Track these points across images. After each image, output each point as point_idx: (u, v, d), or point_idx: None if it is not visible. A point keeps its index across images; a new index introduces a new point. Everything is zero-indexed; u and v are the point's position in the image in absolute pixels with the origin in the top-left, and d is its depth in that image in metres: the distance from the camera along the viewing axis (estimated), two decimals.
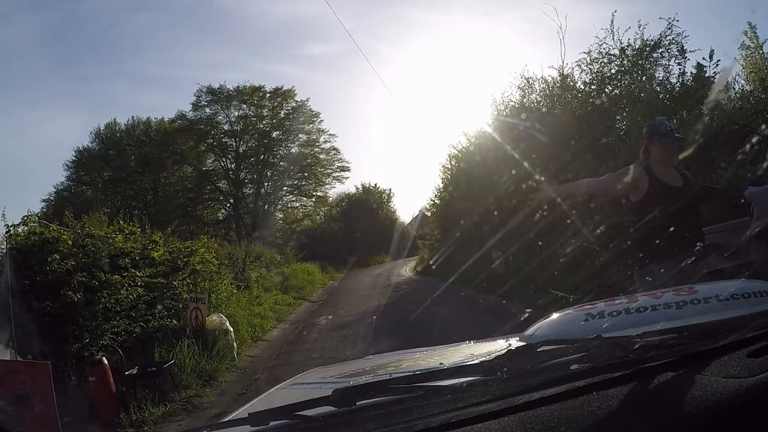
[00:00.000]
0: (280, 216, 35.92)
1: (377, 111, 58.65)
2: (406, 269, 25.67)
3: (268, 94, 34.25)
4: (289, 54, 49.71)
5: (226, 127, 34.03)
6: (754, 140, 7.32)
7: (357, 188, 41.04)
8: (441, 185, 20.85)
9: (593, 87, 11.78)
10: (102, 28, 43.20)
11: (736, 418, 0.83)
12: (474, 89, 41.09)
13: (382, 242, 31.60)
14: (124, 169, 31.02)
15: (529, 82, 13.56)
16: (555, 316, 1.59)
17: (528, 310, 6.43)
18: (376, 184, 41.84)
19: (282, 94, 34.42)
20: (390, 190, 42.43)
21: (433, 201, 22.82)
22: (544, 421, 0.89)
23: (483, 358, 1.23)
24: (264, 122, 34.57)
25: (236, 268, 14.50)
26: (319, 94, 63.01)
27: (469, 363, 1.20)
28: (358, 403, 1.00)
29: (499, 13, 42.89)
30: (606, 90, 11.56)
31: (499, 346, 1.56)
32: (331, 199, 38.67)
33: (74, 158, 32.38)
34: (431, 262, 17.76)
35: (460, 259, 13.07)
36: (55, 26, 39.70)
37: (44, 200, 30.56)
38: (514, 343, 1.48)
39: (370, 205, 39.63)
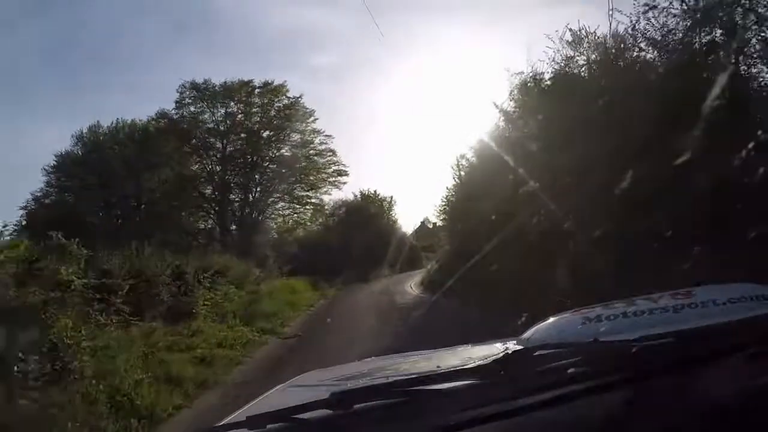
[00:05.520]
0: (272, 225, 33.02)
1: (377, 121, 57.81)
2: (411, 285, 22.10)
3: (257, 90, 31.33)
4: (290, 63, 49.27)
5: (211, 126, 31.26)
6: None
7: (355, 195, 37.90)
8: (453, 187, 18.32)
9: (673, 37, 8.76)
10: (100, 36, 43.00)
11: (734, 423, 0.83)
12: (481, 95, 37.97)
13: (383, 254, 28.88)
14: (105, 174, 28.43)
15: (576, 38, 10.55)
16: (552, 319, 1.60)
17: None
18: (375, 191, 39.11)
19: (273, 90, 31.42)
20: (391, 197, 39.57)
21: (444, 207, 20.58)
22: (541, 425, 0.89)
23: (480, 362, 1.23)
24: (253, 120, 31.66)
25: (166, 289, 10.26)
26: (319, 105, 62.40)
27: (466, 367, 1.21)
28: (355, 407, 1.00)
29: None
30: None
31: (496, 349, 1.56)
32: (327, 207, 35.56)
33: (55, 163, 29.63)
34: (442, 278, 14.80)
35: (479, 274, 10.30)
36: (52, 34, 39.17)
37: (21, 207, 27.72)
38: (511, 346, 1.48)
39: (370, 213, 36.87)
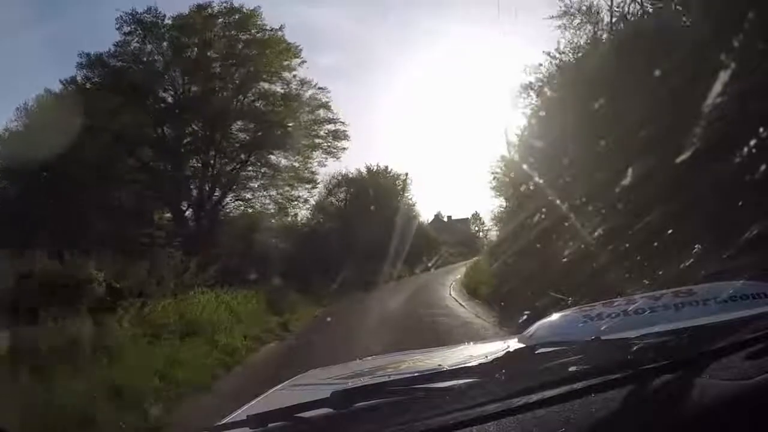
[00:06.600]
0: (245, 208, 23.39)
1: (385, 117, 56.93)
2: (452, 294, 15.55)
3: (220, 20, 21.36)
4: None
5: (157, 69, 21.55)
6: None
7: (360, 172, 29.50)
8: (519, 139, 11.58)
9: None
10: (108, 36, 42.38)
11: (735, 420, 0.83)
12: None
13: (395, 248, 19.78)
14: (45, 151, 18.40)
15: None
16: (553, 317, 1.60)
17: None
18: (387, 167, 30.65)
19: (240, 22, 21.44)
20: (406, 175, 30.84)
21: (498, 175, 14.27)
22: (542, 423, 0.89)
23: (481, 360, 1.24)
24: (214, 58, 21.72)
25: None
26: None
27: (467, 365, 1.21)
28: (356, 405, 1.00)
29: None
30: None
31: (497, 347, 1.56)
32: (321, 182, 25.77)
33: None
34: (516, 285, 9.10)
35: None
36: (60, 36, 38.63)
37: None
38: (513, 344, 1.48)
39: (379, 194, 28.73)
